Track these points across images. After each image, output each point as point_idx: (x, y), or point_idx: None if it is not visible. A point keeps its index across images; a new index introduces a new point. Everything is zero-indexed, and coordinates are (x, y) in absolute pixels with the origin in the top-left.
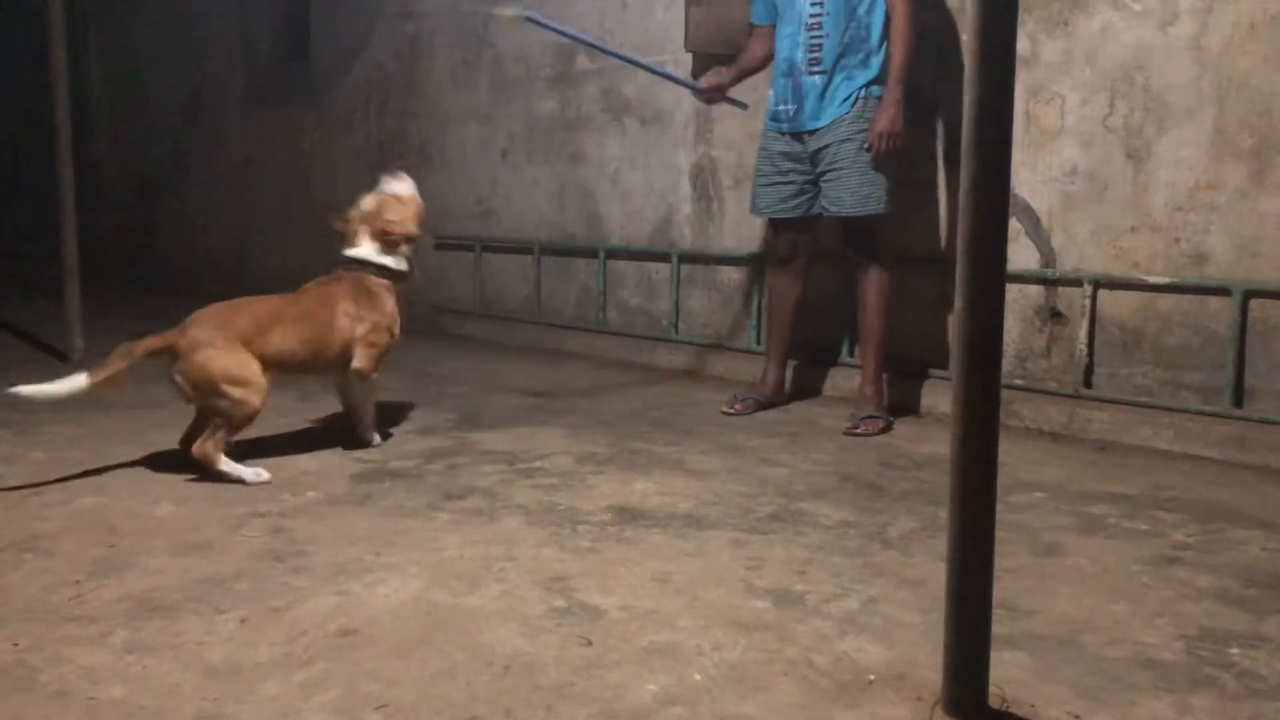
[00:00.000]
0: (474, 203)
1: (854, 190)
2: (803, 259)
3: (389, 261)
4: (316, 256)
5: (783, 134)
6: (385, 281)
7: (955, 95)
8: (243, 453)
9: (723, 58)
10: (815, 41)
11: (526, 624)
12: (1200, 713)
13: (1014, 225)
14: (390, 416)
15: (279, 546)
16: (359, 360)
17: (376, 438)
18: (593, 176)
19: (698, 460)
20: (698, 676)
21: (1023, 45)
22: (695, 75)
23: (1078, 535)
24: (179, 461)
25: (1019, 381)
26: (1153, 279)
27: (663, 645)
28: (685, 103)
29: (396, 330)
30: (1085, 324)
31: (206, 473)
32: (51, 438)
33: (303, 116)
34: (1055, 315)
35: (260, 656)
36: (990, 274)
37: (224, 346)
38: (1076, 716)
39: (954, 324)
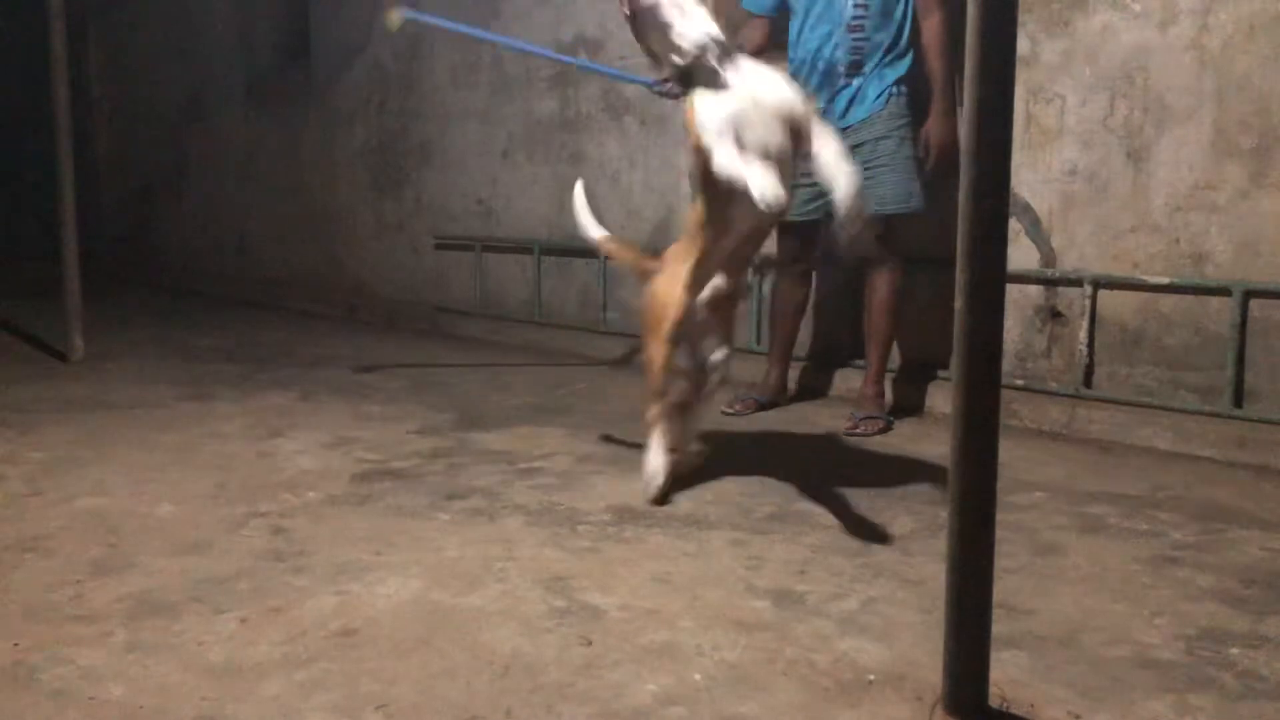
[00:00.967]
0: (474, 203)
1: (896, 186)
2: (808, 261)
3: None
4: (316, 256)
5: None
6: None
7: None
8: (246, 452)
9: None
10: (858, 43)
11: (526, 624)
12: (1200, 713)
13: (1014, 225)
14: (390, 416)
15: (279, 546)
16: None
17: None
18: (592, 176)
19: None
20: (697, 676)
21: (1023, 45)
22: None
23: (1078, 535)
24: (179, 461)
25: (1019, 381)
26: (1153, 279)
27: (663, 645)
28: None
29: None
30: (1085, 324)
31: None
32: (51, 438)
33: (303, 116)
34: (1055, 315)
35: (260, 656)
36: (990, 274)
37: None
38: (1076, 716)
39: (954, 324)
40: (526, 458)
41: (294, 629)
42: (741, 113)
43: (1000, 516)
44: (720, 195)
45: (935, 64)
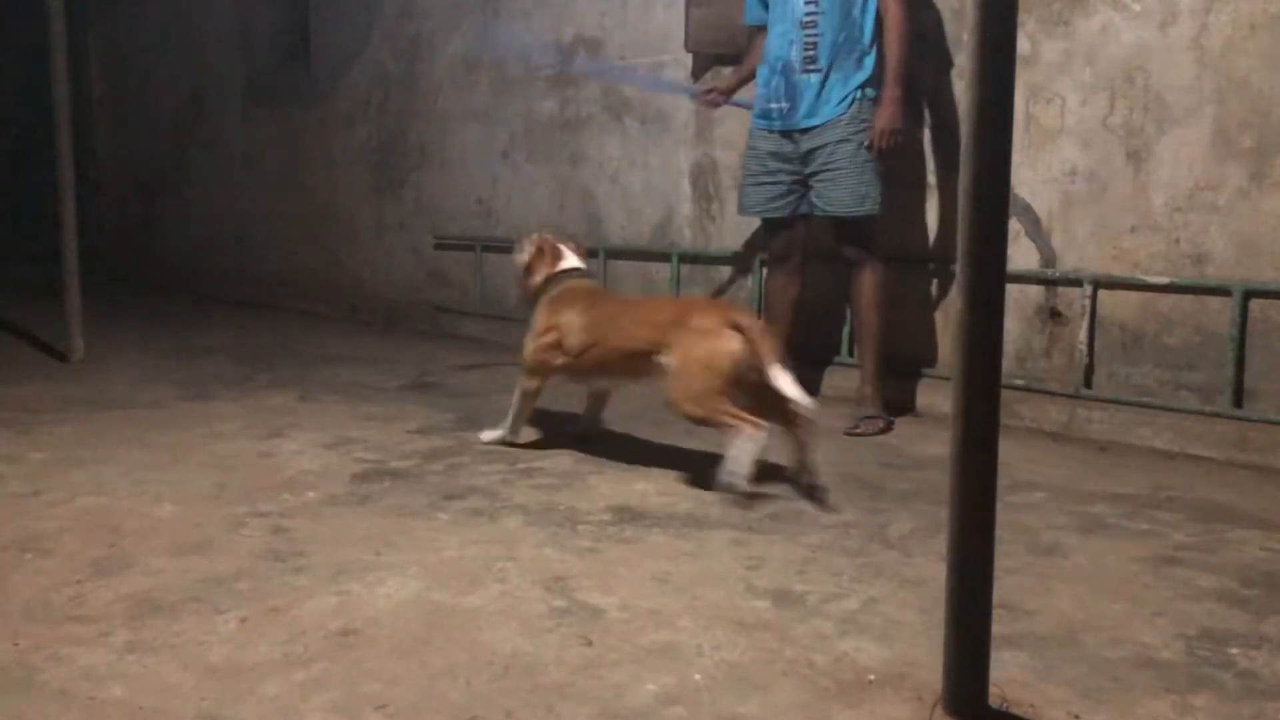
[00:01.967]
0: (474, 202)
1: (850, 190)
2: (798, 257)
3: None
4: (316, 256)
5: (773, 132)
6: None
7: (954, 94)
8: (246, 452)
9: (723, 58)
10: (810, 39)
11: (526, 624)
12: (1200, 713)
13: (1014, 225)
14: (390, 416)
15: (279, 546)
16: None
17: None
18: (593, 176)
19: (698, 460)
20: (698, 676)
21: (1023, 45)
22: (695, 75)
23: (1078, 535)
24: (179, 461)
25: (1019, 381)
26: (1153, 279)
27: (663, 645)
28: (685, 103)
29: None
30: (1085, 324)
31: None
32: (51, 438)
33: (303, 116)
34: (1055, 315)
35: (260, 656)
36: (990, 274)
37: None
38: (1077, 716)
39: (954, 324)
40: (526, 458)
41: (294, 629)
42: None
43: (1000, 516)
44: None
45: (890, 51)
